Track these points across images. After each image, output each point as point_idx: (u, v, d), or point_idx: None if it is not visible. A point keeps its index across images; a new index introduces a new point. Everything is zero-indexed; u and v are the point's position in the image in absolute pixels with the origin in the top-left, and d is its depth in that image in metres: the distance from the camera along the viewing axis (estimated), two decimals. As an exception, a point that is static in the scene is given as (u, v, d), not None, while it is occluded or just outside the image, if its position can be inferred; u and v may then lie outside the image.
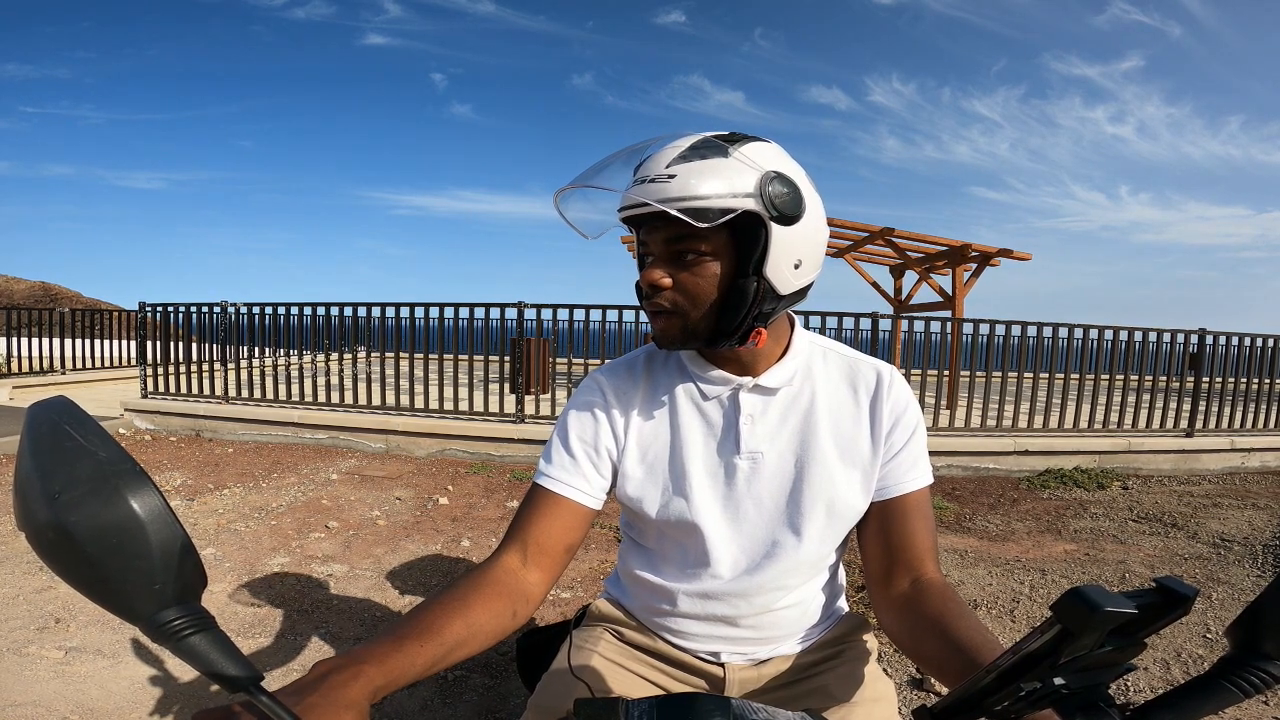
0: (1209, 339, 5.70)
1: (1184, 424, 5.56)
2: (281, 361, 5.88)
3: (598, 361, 5.56)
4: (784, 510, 0.80)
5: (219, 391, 5.75)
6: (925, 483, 0.81)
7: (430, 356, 5.72)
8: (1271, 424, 5.77)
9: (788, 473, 0.80)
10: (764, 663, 0.84)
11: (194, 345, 5.96)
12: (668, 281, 0.74)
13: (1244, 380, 5.77)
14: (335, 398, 5.55)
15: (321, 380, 5.69)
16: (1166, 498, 4.46)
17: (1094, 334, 5.48)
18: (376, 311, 5.53)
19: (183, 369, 5.90)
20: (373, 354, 5.65)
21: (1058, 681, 0.39)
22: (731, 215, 0.68)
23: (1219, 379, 5.71)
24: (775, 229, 0.70)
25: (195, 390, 5.82)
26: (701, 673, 0.85)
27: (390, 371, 5.57)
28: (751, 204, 0.69)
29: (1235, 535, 3.58)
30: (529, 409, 5.29)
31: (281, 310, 5.72)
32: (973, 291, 7.82)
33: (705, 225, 0.68)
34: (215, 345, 5.90)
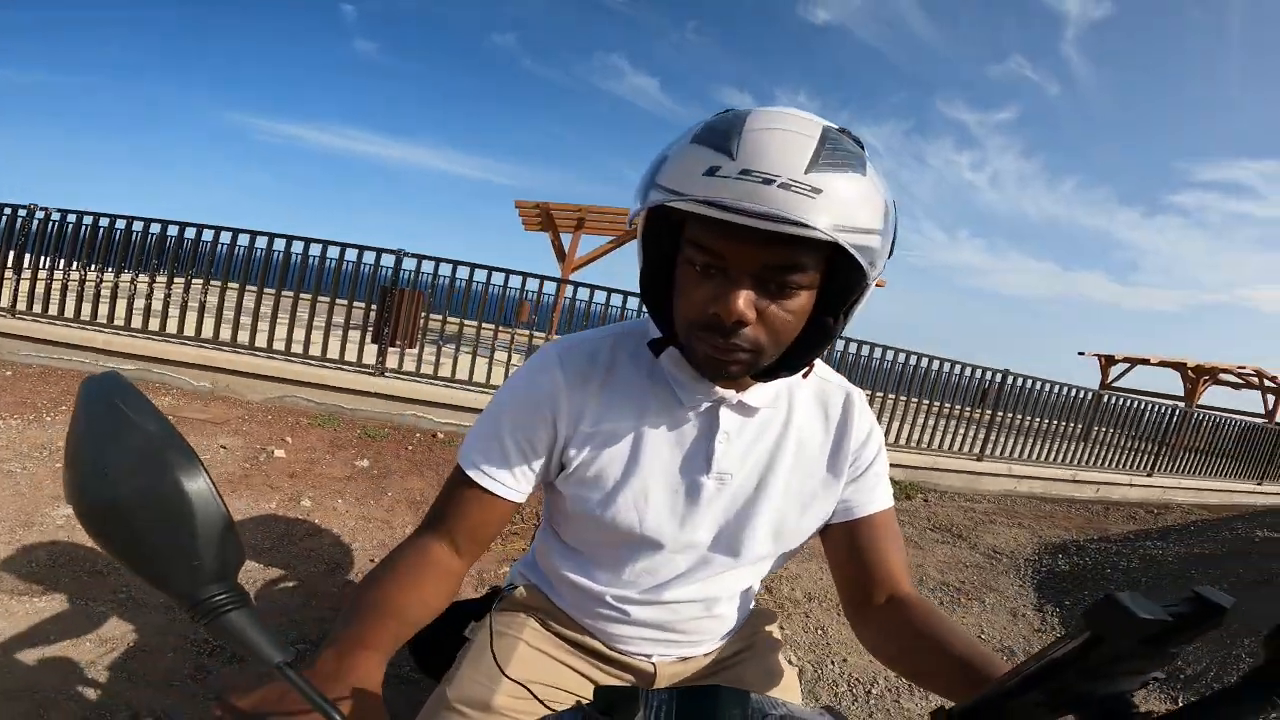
0: (1010, 379, 6.66)
1: (976, 449, 6.49)
2: (91, 277, 4.98)
3: (474, 323, 5.31)
4: (734, 532, 0.78)
5: (4, 303, 4.79)
6: (890, 503, 0.82)
7: (284, 294, 5.15)
8: (1043, 457, 6.90)
9: (746, 496, 0.77)
10: (689, 659, 0.87)
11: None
12: (754, 316, 0.60)
13: (1028, 418, 6.83)
14: (155, 325, 4.84)
15: (140, 304, 4.93)
16: (955, 512, 5.18)
17: (907, 359, 6.09)
18: (226, 236, 4.86)
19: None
20: (212, 282, 4.98)
21: (1082, 689, 0.39)
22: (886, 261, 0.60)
23: (1009, 414, 6.70)
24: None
25: (-32, 295, 4.80)
26: (631, 668, 0.86)
27: (231, 304, 4.93)
28: (885, 241, 0.59)
29: (1004, 549, 4.26)
30: (391, 362, 4.97)
31: (105, 221, 4.84)
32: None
33: (875, 272, 0.59)
34: (12, 251, 4.88)
